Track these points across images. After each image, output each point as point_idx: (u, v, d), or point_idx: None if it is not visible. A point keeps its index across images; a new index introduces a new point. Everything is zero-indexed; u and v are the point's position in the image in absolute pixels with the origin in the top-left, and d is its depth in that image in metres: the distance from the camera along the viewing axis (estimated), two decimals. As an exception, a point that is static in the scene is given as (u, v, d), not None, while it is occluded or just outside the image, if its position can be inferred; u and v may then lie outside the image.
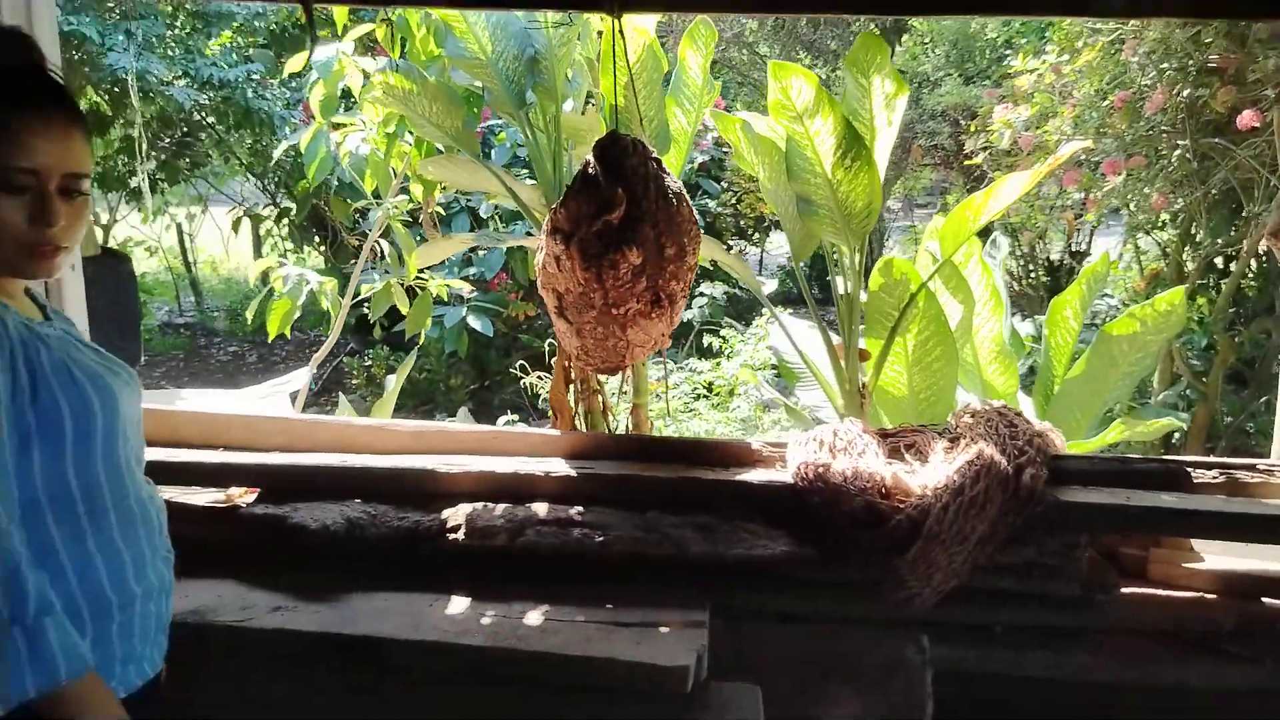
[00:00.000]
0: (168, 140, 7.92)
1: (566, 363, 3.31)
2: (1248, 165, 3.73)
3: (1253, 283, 4.50)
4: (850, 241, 2.82)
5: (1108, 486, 2.07)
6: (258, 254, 9.32)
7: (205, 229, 10.17)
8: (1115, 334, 3.13)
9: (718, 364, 5.42)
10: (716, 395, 5.22)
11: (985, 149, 4.48)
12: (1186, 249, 4.51)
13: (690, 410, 5.07)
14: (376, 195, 3.81)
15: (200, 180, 8.86)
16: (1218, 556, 2.15)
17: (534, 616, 1.90)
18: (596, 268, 2.34)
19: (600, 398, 3.51)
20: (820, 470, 1.99)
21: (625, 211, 2.32)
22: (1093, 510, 1.97)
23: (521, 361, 4.61)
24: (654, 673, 1.70)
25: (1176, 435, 4.02)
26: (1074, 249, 6.42)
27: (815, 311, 3.21)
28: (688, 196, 2.44)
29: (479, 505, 2.12)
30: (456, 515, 2.09)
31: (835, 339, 3.04)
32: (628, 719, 1.71)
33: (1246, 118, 3.37)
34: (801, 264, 3.15)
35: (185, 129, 7.86)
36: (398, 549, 2.05)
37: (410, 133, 3.50)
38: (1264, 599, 2.05)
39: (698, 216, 2.47)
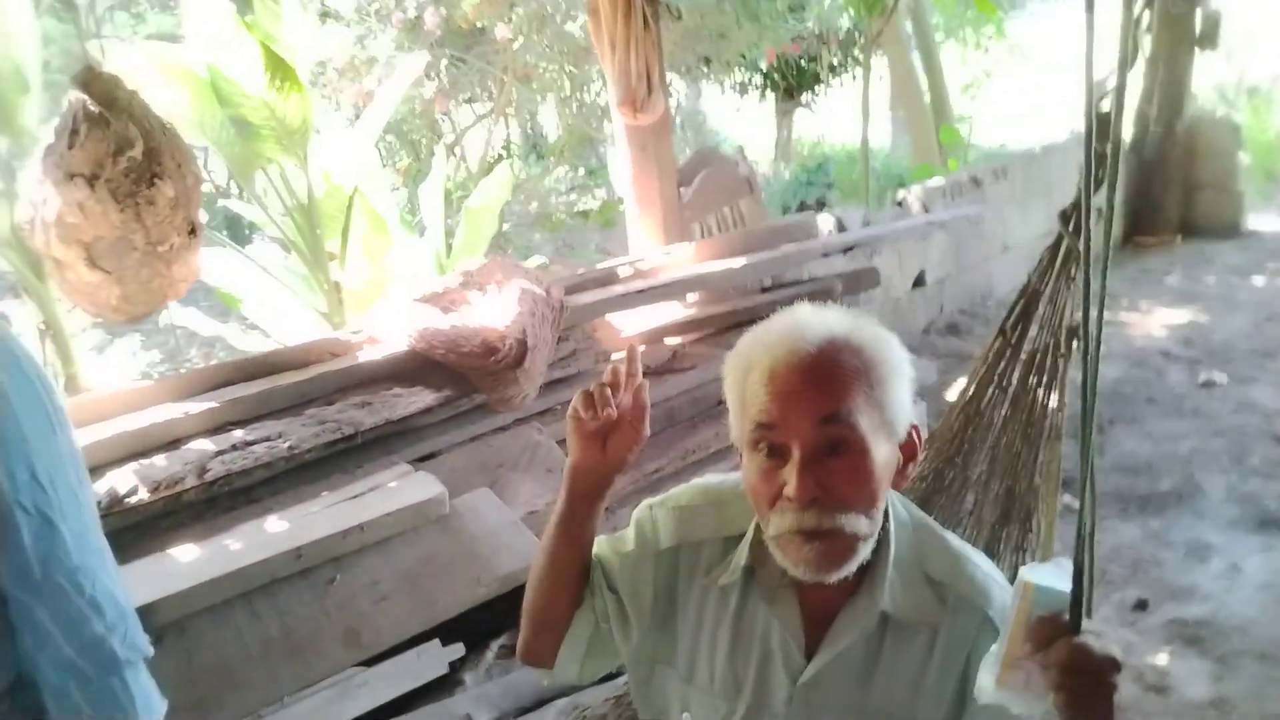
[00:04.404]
0: None
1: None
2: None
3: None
4: (296, 153, 3.09)
5: (584, 290, 2.98)
6: None
7: None
8: (474, 207, 4.01)
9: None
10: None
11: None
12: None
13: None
14: None
15: None
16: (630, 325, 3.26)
17: (275, 524, 2.01)
18: (133, 206, 2.30)
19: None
20: (432, 330, 2.45)
21: (144, 144, 2.32)
22: (593, 307, 2.85)
23: None
24: (423, 506, 2.06)
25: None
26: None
27: (282, 229, 3.35)
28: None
29: (137, 464, 2.02)
30: (119, 483, 1.97)
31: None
32: (420, 553, 2.04)
33: (500, 30, 4.48)
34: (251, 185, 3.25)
35: None
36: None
37: None
38: (665, 339, 3.24)
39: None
